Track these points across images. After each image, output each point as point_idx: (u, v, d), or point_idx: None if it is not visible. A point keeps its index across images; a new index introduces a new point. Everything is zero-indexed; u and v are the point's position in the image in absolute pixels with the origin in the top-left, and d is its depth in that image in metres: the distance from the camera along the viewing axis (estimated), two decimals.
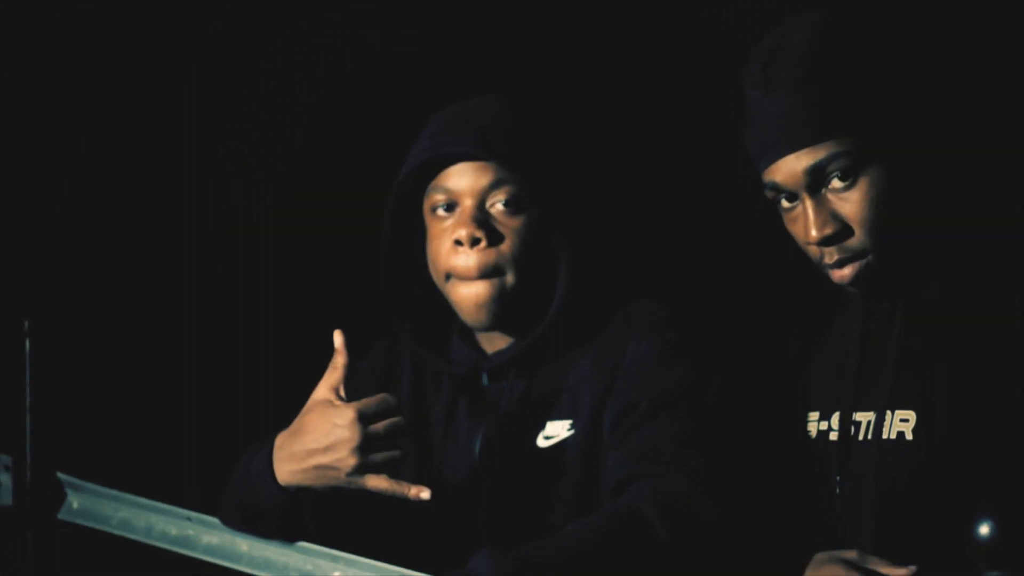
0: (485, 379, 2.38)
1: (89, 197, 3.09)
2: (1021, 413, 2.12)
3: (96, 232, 3.08)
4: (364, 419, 2.16)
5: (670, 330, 2.30)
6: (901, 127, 2.18)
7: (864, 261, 2.19)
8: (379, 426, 2.17)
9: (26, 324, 2.35)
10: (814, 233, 2.19)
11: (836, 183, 2.17)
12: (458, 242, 2.29)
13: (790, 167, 2.19)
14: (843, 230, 2.19)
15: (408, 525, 2.34)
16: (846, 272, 2.20)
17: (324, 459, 2.17)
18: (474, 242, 2.28)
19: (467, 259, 2.29)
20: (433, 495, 2.22)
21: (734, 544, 2.15)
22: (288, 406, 2.32)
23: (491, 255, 2.29)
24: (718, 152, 2.77)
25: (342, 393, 2.20)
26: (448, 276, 2.33)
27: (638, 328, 2.31)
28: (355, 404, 2.17)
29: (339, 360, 2.22)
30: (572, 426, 2.29)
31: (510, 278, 2.29)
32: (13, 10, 3.03)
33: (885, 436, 2.19)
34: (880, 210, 2.17)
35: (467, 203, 2.30)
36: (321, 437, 2.17)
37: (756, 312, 2.71)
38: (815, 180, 2.18)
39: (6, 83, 3.03)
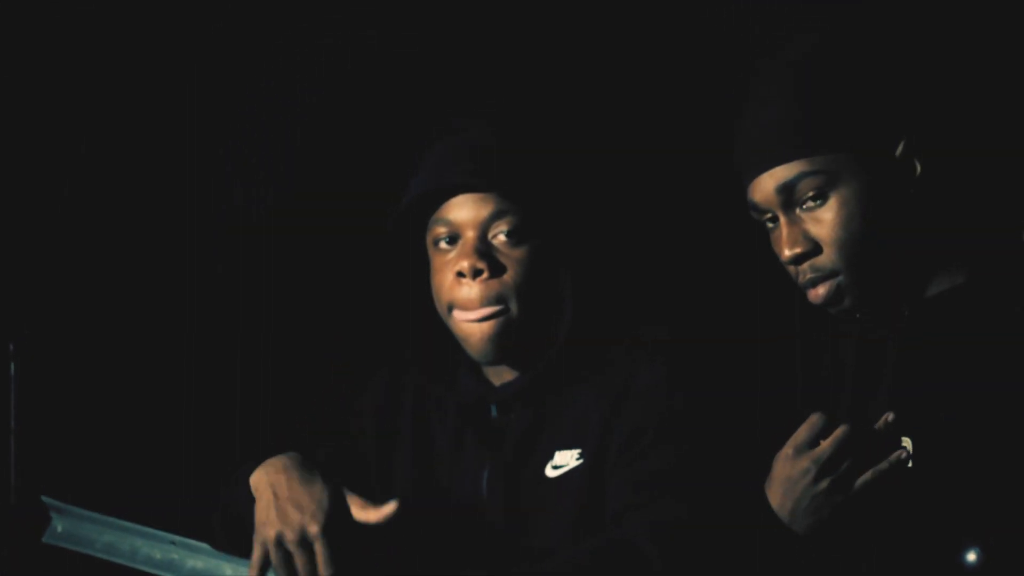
0: (494, 411, 2.37)
1: (89, 197, 3.09)
2: (1017, 438, 2.10)
3: (94, 233, 3.08)
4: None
5: (675, 357, 2.29)
6: (871, 148, 2.17)
7: (836, 281, 2.19)
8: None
9: (11, 346, 2.35)
10: (786, 252, 2.20)
11: (809, 202, 2.17)
12: (460, 274, 2.27)
13: (764, 186, 2.20)
14: (814, 249, 2.19)
15: (414, 554, 2.33)
16: (819, 291, 2.20)
17: (293, 516, 2.17)
18: (476, 273, 2.26)
19: (470, 291, 2.27)
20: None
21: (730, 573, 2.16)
22: (285, 422, 2.31)
23: (494, 286, 2.27)
24: (720, 171, 2.75)
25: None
26: (451, 309, 2.31)
27: (644, 355, 2.30)
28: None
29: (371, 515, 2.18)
30: (581, 455, 2.28)
31: (514, 309, 2.27)
32: (13, 10, 3.02)
33: None
34: (850, 230, 2.17)
35: (469, 235, 2.28)
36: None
37: (759, 329, 2.71)
38: (787, 199, 2.19)
39: (6, 83, 3.02)
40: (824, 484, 2.12)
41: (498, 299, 2.27)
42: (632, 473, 2.21)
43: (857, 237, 2.17)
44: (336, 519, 2.13)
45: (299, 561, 2.12)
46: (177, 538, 2.32)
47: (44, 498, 2.36)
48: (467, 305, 2.28)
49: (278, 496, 2.15)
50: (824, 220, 2.17)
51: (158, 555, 2.34)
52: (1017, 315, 2.15)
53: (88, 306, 3.03)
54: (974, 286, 2.21)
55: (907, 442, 2.17)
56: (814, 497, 2.12)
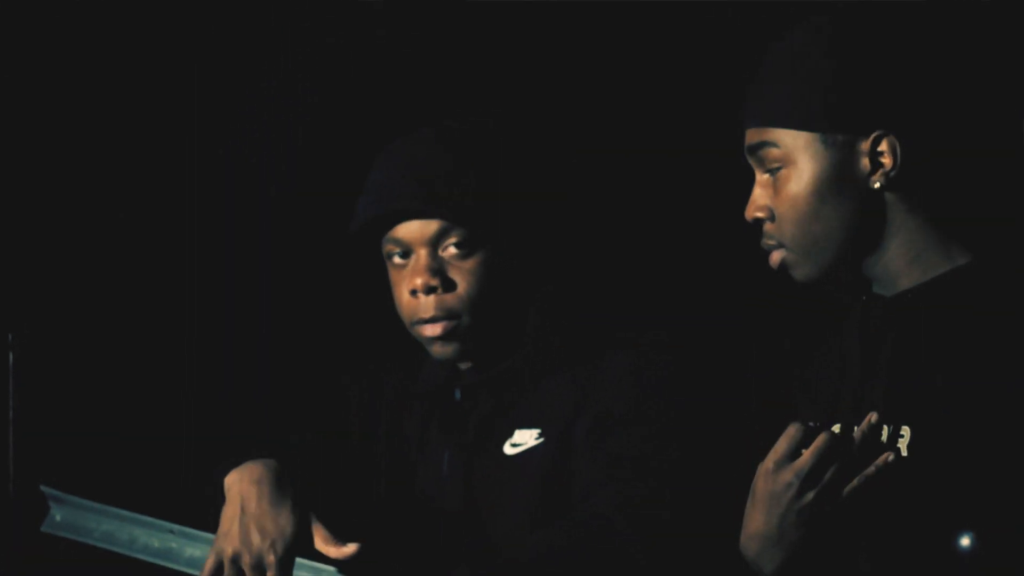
0: (457, 394, 2.42)
1: (89, 197, 3.09)
2: (1015, 425, 2.08)
3: (95, 227, 3.09)
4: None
5: (649, 345, 2.34)
6: (835, 134, 2.14)
7: (782, 253, 2.18)
8: None
9: (10, 337, 2.36)
10: (747, 211, 2.20)
11: (774, 171, 2.17)
12: (414, 292, 2.33)
13: (745, 142, 2.21)
14: (769, 216, 2.18)
15: (385, 539, 2.36)
16: (773, 258, 2.19)
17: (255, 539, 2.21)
18: (429, 290, 2.33)
19: (426, 306, 2.34)
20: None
21: (704, 549, 2.16)
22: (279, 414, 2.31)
23: (447, 300, 2.33)
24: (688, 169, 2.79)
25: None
26: (411, 323, 2.37)
27: (616, 344, 2.35)
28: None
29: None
30: (541, 435, 2.33)
31: (467, 320, 2.33)
32: (13, 10, 3.03)
33: None
34: (796, 209, 2.15)
35: (420, 252, 2.34)
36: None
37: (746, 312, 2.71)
38: (757, 161, 2.19)
39: (6, 82, 3.03)
40: (809, 496, 2.06)
41: (451, 313, 2.33)
42: (600, 452, 2.26)
43: (802, 217, 2.15)
44: (294, 551, 2.19)
45: None
46: (175, 527, 2.33)
47: (43, 487, 2.36)
48: (423, 318, 2.34)
49: (245, 512, 2.21)
50: (779, 192, 2.17)
51: (156, 544, 2.35)
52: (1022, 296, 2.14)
53: (87, 298, 3.04)
54: (976, 267, 2.19)
55: (906, 430, 2.15)
56: (800, 511, 2.06)
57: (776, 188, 2.18)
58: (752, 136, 2.20)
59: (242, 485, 2.22)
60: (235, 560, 2.18)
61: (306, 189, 3.14)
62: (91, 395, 2.99)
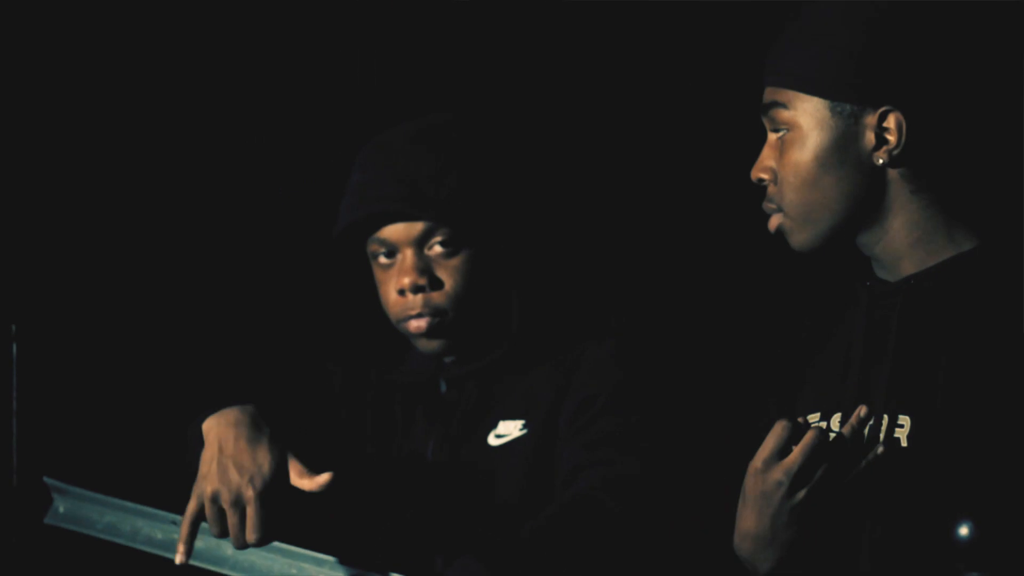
0: (443, 386, 2.47)
1: (89, 196, 3.10)
2: (1017, 419, 2.08)
3: (95, 216, 3.10)
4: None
5: (627, 337, 2.42)
6: (841, 104, 2.12)
7: (780, 218, 2.16)
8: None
9: (13, 328, 2.36)
10: (752, 171, 2.18)
11: (780, 133, 2.16)
12: (402, 291, 2.38)
13: (762, 102, 2.20)
14: (772, 179, 2.16)
15: (369, 527, 2.42)
16: (771, 223, 2.18)
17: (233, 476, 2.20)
18: (417, 290, 2.38)
19: (413, 304, 2.39)
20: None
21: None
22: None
23: (434, 297, 2.39)
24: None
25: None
26: (397, 320, 2.43)
27: (597, 333, 2.42)
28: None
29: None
30: (524, 426, 2.39)
31: (453, 315, 2.39)
32: (14, 10, 3.04)
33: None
34: (797, 174, 2.13)
35: (406, 252, 2.39)
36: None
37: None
38: (768, 121, 2.18)
39: (5, 83, 3.04)
40: (801, 495, 2.03)
41: (437, 310, 2.39)
42: (583, 438, 2.32)
43: (801, 184, 2.13)
44: (273, 486, 2.18)
45: (230, 521, 2.17)
46: (178, 517, 2.32)
47: (46, 479, 2.36)
48: (410, 315, 2.39)
49: (223, 451, 2.20)
50: (784, 155, 2.16)
51: (159, 535, 2.35)
52: None
53: (89, 290, 3.04)
54: (981, 254, 2.18)
55: (905, 420, 2.14)
56: (791, 510, 2.03)
57: (782, 151, 2.16)
58: (768, 95, 2.17)
59: (219, 428, 2.22)
60: (215, 499, 2.17)
61: (304, 191, 3.14)
62: (94, 386, 2.99)
